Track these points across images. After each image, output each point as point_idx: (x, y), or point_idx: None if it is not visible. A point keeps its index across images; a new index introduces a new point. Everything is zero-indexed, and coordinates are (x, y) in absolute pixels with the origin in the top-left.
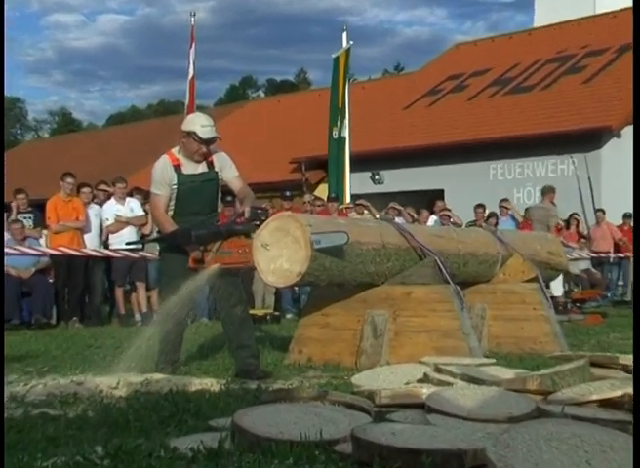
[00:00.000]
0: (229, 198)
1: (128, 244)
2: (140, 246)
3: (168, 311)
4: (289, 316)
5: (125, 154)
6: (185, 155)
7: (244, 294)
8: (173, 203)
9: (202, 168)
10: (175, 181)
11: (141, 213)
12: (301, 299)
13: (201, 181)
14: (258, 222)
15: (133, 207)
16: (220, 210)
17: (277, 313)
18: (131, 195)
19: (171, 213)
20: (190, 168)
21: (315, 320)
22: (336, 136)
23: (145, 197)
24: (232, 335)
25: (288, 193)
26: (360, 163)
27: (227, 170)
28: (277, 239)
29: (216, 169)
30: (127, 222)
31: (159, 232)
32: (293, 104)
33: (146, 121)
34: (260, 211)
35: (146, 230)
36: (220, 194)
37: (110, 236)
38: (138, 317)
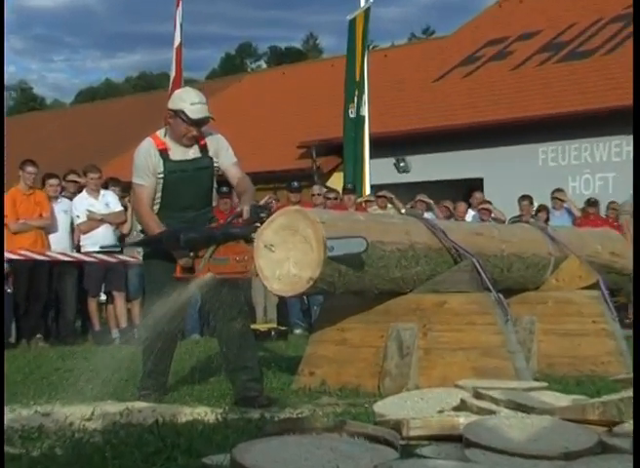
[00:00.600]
0: (225, 189)
1: (103, 248)
2: (118, 250)
3: (152, 327)
4: (297, 331)
5: (99, 138)
6: (173, 138)
7: (245, 305)
8: (159, 195)
9: (193, 153)
10: (161, 169)
11: (119, 208)
12: (312, 311)
13: (193, 169)
14: (259, 224)
15: (109, 201)
16: (214, 203)
17: (283, 328)
18: (106, 187)
19: (156, 207)
20: (179, 153)
21: (329, 336)
22: (352, 115)
23: (124, 189)
24: (230, 355)
25: (296, 184)
26: (382, 147)
27: (223, 155)
28: (283, 239)
29: (210, 154)
30: (102, 220)
31: (142, 231)
32: (300, 77)
33: (124, 97)
34: (262, 209)
35: (125, 229)
36: (215, 184)
37: (82, 236)
38: (115, 334)
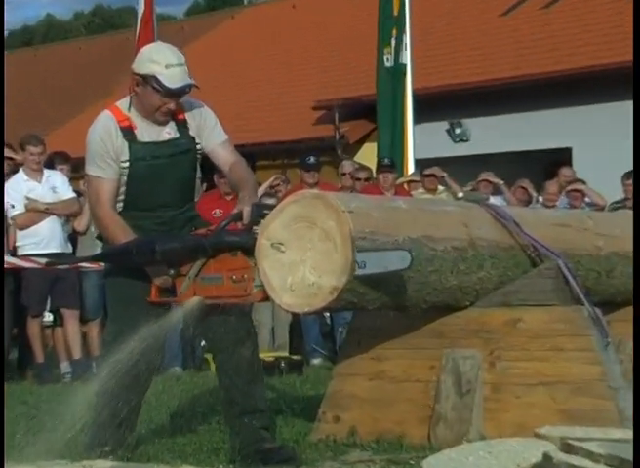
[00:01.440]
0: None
1: (49, 264)
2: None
3: (118, 362)
4: (316, 361)
5: (39, 98)
6: (141, 112)
7: (252, 327)
8: (123, 190)
9: (169, 132)
10: (126, 156)
11: (70, 194)
12: (337, 334)
13: (168, 154)
14: None
15: (55, 184)
16: (196, 199)
17: (297, 357)
18: (51, 165)
19: (120, 206)
20: (150, 132)
21: (360, 367)
22: (389, 64)
23: (76, 168)
24: (237, 393)
25: (312, 159)
26: (430, 107)
27: (209, 133)
28: (297, 234)
29: (191, 133)
30: (46, 210)
31: (100, 238)
32: (317, 10)
33: (73, 41)
34: (269, 209)
35: (80, 225)
36: (198, 173)
37: (19, 234)
38: (66, 368)
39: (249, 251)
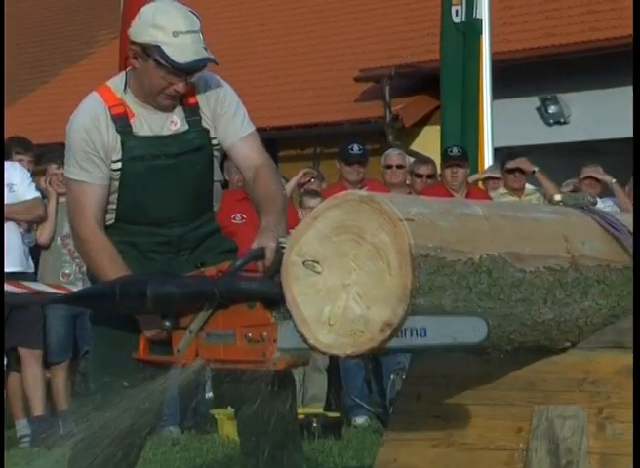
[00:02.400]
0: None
1: (11, 306)
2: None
3: (103, 425)
4: (360, 420)
5: None
6: (140, 95)
7: (290, 372)
8: (114, 199)
9: (174, 121)
10: (118, 154)
11: (32, 194)
12: (388, 385)
13: (175, 153)
14: None
15: (12, 180)
16: (216, 208)
17: (335, 415)
18: (7, 156)
19: (111, 219)
20: (151, 122)
21: (421, 429)
22: (458, 19)
23: (37, 159)
24: (261, 459)
25: (356, 148)
26: (515, 78)
27: (228, 124)
28: (338, 250)
29: (204, 123)
30: None
31: (92, 278)
32: None
33: None
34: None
35: (43, 236)
36: (217, 175)
37: None
38: (23, 427)
39: (271, 302)
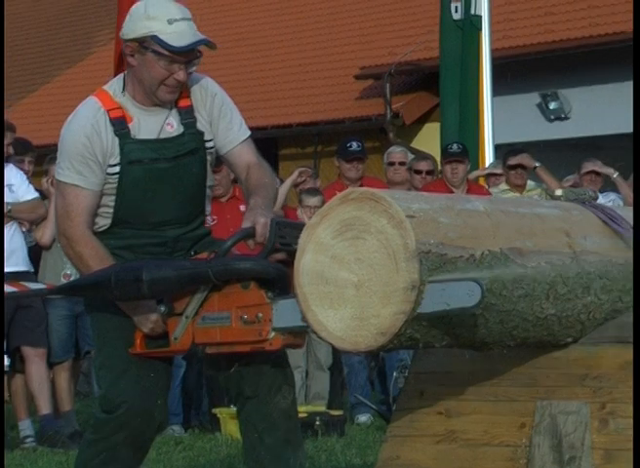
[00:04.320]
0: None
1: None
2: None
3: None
4: (363, 418)
5: None
6: (139, 96)
7: (290, 370)
8: (112, 200)
9: (171, 124)
10: (116, 157)
11: (32, 194)
12: (390, 381)
13: (172, 156)
14: (288, 255)
15: (12, 181)
16: (208, 212)
17: (337, 413)
18: (6, 158)
19: (106, 224)
20: (148, 125)
21: (424, 426)
22: (458, 16)
23: (38, 160)
24: (263, 455)
25: (355, 146)
26: (515, 74)
27: (226, 129)
28: (344, 246)
29: (199, 126)
30: (6, 214)
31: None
32: None
33: None
34: (293, 227)
35: (45, 236)
36: (210, 180)
37: None
38: (26, 428)
39: (266, 281)
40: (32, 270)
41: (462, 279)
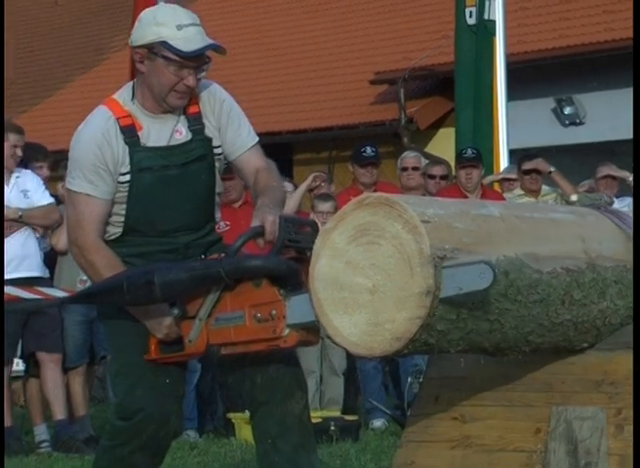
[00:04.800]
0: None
1: (21, 309)
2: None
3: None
4: (377, 424)
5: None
6: (147, 103)
7: (302, 374)
8: (122, 208)
9: (179, 131)
10: (127, 166)
11: (47, 200)
12: (405, 387)
13: (181, 163)
14: (299, 253)
15: (28, 187)
16: (217, 219)
17: (352, 417)
18: (24, 164)
19: (117, 233)
20: (158, 133)
21: (439, 431)
22: (472, 21)
23: (53, 166)
24: (276, 460)
25: (370, 150)
26: (530, 79)
27: (234, 135)
28: (359, 251)
29: (207, 132)
30: (20, 219)
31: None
32: None
33: None
34: (303, 224)
35: (60, 242)
36: (219, 186)
37: None
38: (42, 433)
39: (278, 278)
40: (47, 275)
41: (473, 262)
